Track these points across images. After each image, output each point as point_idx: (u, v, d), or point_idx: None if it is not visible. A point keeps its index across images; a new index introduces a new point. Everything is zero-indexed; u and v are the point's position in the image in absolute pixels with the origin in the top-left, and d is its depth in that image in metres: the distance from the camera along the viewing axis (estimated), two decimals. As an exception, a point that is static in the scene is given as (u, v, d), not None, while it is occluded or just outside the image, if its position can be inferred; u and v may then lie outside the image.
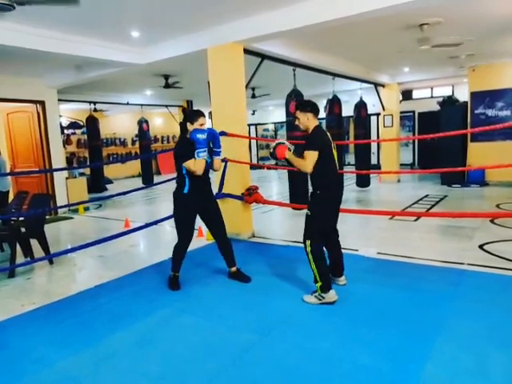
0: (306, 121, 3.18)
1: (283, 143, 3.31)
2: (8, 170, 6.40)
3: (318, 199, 3.19)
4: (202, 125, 3.40)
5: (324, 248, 3.27)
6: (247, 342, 2.61)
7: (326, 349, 2.49)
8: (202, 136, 3.30)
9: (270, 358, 2.41)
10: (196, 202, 3.51)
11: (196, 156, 3.31)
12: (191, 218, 3.57)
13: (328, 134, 3.24)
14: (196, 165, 3.32)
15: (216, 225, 3.73)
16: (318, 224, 3.17)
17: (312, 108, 3.19)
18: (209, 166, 3.53)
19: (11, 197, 6.51)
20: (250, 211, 5.36)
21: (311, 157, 3.04)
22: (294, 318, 2.94)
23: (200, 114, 3.45)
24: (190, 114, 3.49)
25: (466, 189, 8.55)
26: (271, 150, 3.32)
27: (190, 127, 3.41)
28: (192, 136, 3.31)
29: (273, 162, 16.90)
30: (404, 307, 2.99)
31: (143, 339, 2.73)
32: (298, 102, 3.34)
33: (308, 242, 3.12)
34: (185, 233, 3.59)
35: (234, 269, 3.77)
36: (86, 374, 2.36)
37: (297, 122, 3.25)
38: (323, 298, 3.09)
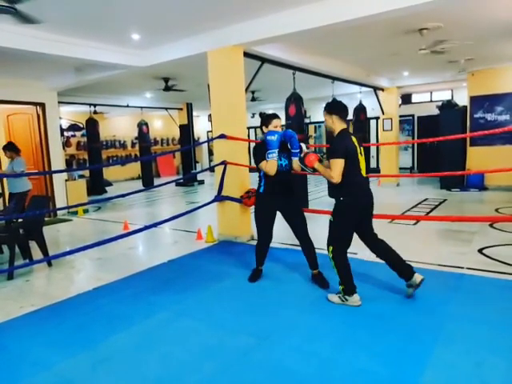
0: (331, 123, 3.10)
1: (313, 152, 3.33)
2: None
3: (341, 206, 3.08)
4: (276, 127, 3.52)
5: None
6: (246, 346, 2.60)
7: (325, 352, 2.48)
8: (271, 138, 3.39)
9: (268, 362, 2.41)
10: (273, 201, 3.59)
11: (266, 157, 3.42)
12: (268, 217, 3.65)
13: (353, 137, 3.05)
14: (267, 166, 3.43)
15: (296, 226, 3.68)
16: (339, 231, 3.10)
17: (337, 110, 3.08)
18: (284, 167, 3.54)
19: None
20: (249, 214, 5.35)
21: (337, 166, 2.93)
22: (292, 321, 2.93)
23: (273, 117, 3.57)
24: (264, 118, 3.62)
25: (466, 193, 8.55)
26: (301, 156, 3.35)
27: (265, 130, 3.56)
28: (264, 138, 3.46)
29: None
30: (402, 311, 2.99)
31: (141, 342, 2.72)
32: (327, 103, 3.23)
33: (330, 249, 3.11)
34: (262, 231, 3.70)
35: (315, 271, 3.66)
36: (84, 376, 2.35)
37: (324, 124, 3.22)
38: (346, 300, 3.08)
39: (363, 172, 3.08)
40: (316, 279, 3.62)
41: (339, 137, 3.05)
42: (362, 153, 3.09)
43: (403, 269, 3.20)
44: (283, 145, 3.48)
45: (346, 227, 3.09)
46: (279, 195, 3.59)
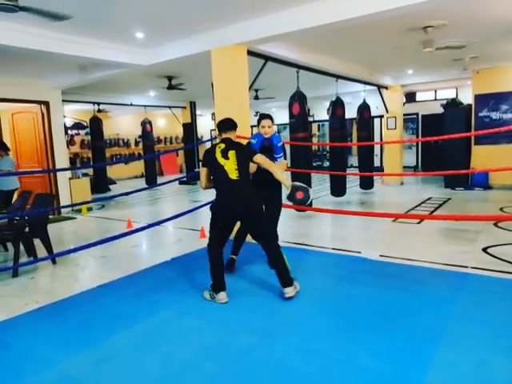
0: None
1: None
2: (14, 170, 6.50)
3: (213, 209, 3.40)
4: (263, 127, 3.83)
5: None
6: (248, 344, 2.60)
7: (327, 350, 2.48)
8: (252, 141, 3.83)
9: (270, 360, 2.41)
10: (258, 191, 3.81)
11: None
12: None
13: (216, 150, 3.32)
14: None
15: (268, 214, 3.97)
16: (212, 229, 3.37)
17: (219, 128, 3.52)
18: (262, 169, 3.67)
19: (14, 196, 6.53)
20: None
21: (201, 173, 3.46)
22: (294, 319, 2.93)
23: (262, 117, 3.89)
24: (258, 119, 3.89)
25: (470, 192, 8.51)
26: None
27: (257, 130, 3.88)
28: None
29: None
30: (406, 310, 2.98)
31: (144, 340, 2.73)
32: None
33: (207, 242, 3.39)
34: None
35: (234, 256, 4.06)
36: (87, 374, 2.36)
37: None
38: (214, 297, 3.28)
39: (232, 175, 3.25)
40: (228, 262, 3.97)
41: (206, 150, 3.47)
42: (230, 156, 3.28)
43: (283, 278, 3.26)
44: (267, 147, 3.82)
45: (215, 227, 3.36)
46: (262, 188, 3.76)
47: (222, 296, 3.25)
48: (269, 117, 3.89)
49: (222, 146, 3.35)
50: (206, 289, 3.38)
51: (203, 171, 3.42)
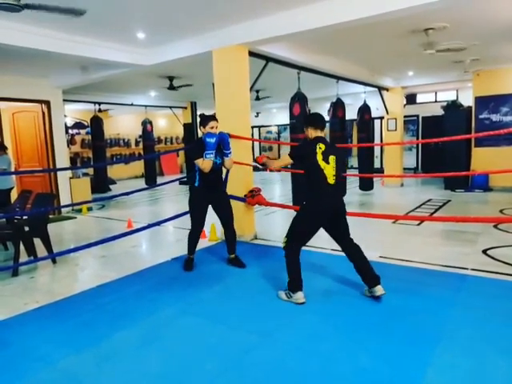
0: (309, 135, 3.36)
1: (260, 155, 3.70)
2: (13, 169, 6.53)
3: (304, 209, 3.32)
4: (212, 128, 3.87)
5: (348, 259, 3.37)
6: (248, 344, 2.61)
7: (326, 351, 2.48)
8: (210, 140, 3.78)
9: (270, 360, 2.41)
10: (206, 193, 4.00)
11: (204, 157, 3.80)
12: (201, 207, 4.05)
13: (321, 145, 3.18)
14: (203, 164, 3.82)
15: (222, 216, 4.16)
16: (297, 229, 3.28)
17: (310, 122, 3.38)
18: (218, 165, 4.01)
19: (15, 196, 6.54)
20: (253, 213, 5.36)
21: (282, 159, 3.41)
22: (295, 320, 2.94)
23: (210, 118, 3.92)
24: (202, 119, 3.95)
25: (470, 193, 8.52)
26: (254, 159, 3.70)
27: (202, 130, 3.90)
28: (203, 139, 3.81)
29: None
30: (405, 312, 2.98)
31: (144, 339, 2.74)
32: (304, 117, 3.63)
33: (285, 239, 3.30)
34: (196, 220, 4.08)
35: (232, 256, 4.24)
36: (88, 373, 2.37)
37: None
38: (291, 296, 3.20)
39: (330, 179, 3.17)
40: (233, 261, 4.20)
41: (304, 141, 3.39)
42: (331, 161, 3.17)
43: (365, 278, 3.24)
44: (218, 146, 3.91)
45: (302, 228, 3.27)
46: (211, 189, 4.02)
47: (299, 295, 3.15)
48: (215, 118, 3.96)
49: (323, 146, 3.19)
50: (281, 289, 3.31)
51: (286, 159, 3.32)
